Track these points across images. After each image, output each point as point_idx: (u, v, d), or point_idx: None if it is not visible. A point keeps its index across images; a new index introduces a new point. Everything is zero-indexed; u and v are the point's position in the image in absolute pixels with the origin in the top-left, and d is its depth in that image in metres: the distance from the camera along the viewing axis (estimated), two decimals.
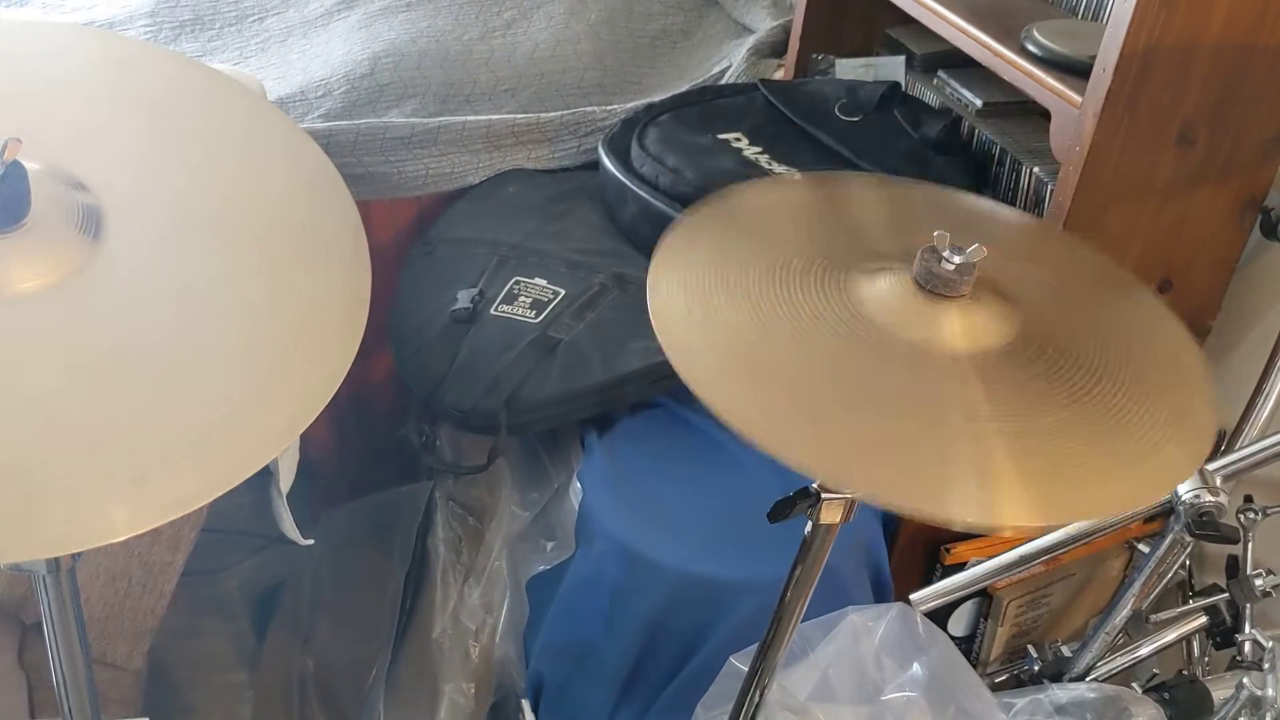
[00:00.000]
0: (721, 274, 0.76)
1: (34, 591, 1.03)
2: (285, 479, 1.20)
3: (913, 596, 1.17)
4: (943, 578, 1.39)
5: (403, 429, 1.50)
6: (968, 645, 1.42)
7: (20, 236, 0.61)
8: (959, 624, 1.41)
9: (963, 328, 0.72)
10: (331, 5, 1.83)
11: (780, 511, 0.80)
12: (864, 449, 0.69)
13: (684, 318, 0.74)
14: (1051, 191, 1.31)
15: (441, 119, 1.57)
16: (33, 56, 0.80)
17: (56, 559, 0.68)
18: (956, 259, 0.69)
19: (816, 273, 0.76)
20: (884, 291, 0.74)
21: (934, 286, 0.71)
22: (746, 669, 1.01)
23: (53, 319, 0.61)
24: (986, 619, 1.39)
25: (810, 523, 0.83)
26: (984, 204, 1.01)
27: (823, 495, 0.78)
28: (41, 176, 0.63)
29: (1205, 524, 0.96)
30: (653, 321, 0.76)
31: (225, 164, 0.73)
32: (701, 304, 0.74)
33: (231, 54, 1.74)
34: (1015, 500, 0.67)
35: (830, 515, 0.80)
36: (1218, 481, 0.99)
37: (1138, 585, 1.09)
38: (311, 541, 1.22)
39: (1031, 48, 1.25)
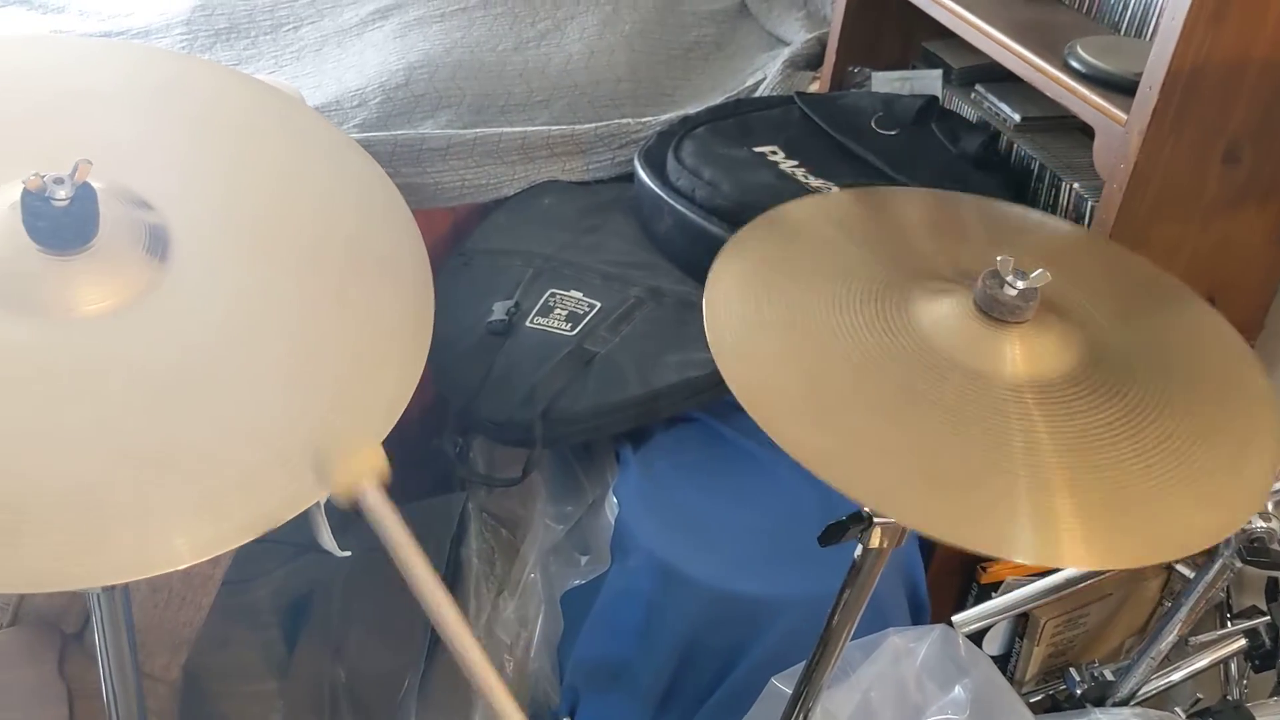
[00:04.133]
0: (779, 294, 0.76)
1: (87, 607, 1.03)
2: None
3: (955, 618, 1.16)
4: (979, 596, 1.38)
5: (436, 439, 1.50)
6: (1002, 664, 1.41)
7: (89, 258, 0.61)
8: (993, 643, 1.40)
9: (1024, 355, 0.71)
10: (366, 15, 1.83)
11: (831, 535, 0.79)
12: (921, 480, 0.69)
13: (740, 337, 0.73)
14: (1093, 208, 1.30)
15: (477, 130, 1.57)
16: (81, 73, 0.80)
17: None
18: (1020, 284, 0.68)
19: (876, 293, 0.75)
20: (944, 316, 0.73)
21: (996, 313, 0.70)
22: (788, 690, 1.01)
23: (119, 341, 0.60)
24: (1022, 638, 1.38)
25: (860, 546, 0.82)
26: (1032, 215, 1.01)
27: (875, 520, 0.78)
28: (108, 196, 0.63)
29: (1257, 550, 0.95)
30: (708, 336, 0.75)
31: (287, 182, 0.73)
32: (759, 324, 0.74)
33: (267, 63, 1.74)
34: (1076, 541, 0.67)
35: (882, 540, 0.79)
36: (1269, 507, 0.98)
37: (1184, 611, 1.08)
38: (349, 553, 1.22)
39: (1075, 64, 1.25)
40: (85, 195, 0.60)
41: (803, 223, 0.88)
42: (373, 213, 0.73)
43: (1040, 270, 0.70)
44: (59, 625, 1.11)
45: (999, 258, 0.69)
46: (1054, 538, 0.67)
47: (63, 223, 0.60)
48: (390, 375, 0.64)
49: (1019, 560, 0.67)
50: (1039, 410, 0.71)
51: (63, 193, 0.59)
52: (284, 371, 0.63)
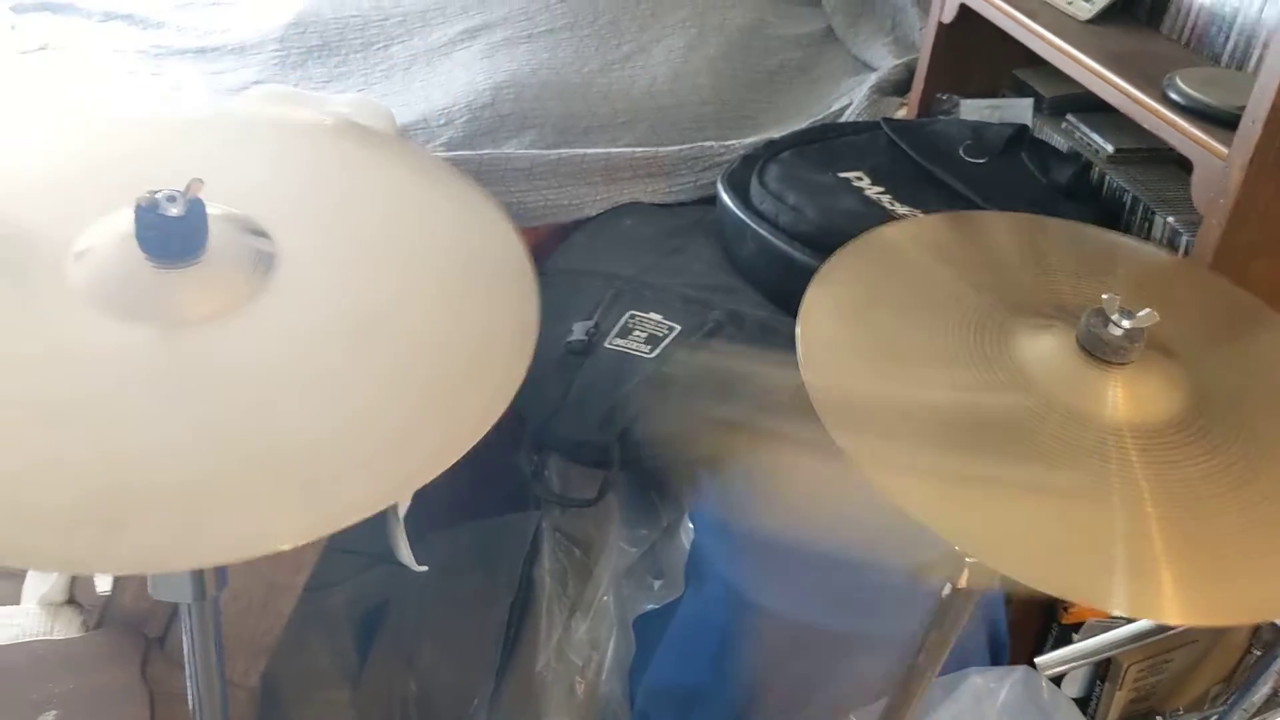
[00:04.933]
0: (875, 325, 0.75)
1: (174, 612, 1.05)
2: (402, 504, 1.21)
3: (1038, 660, 1.13)
4: (1060, 636, 1.35)
5: (512, 456, 1.51)
6: (1082, 707, 1.37)
7: (198, 269, 0.63)
8: (1073, 685, 1.36)
9: (1126, 398, 0.69)
10: (455, 35, 1.85)
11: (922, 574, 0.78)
12: (1016, 525, 0.67)
13: (835, 372, 0.72)
14: (1188, 243, 1.27)
15: (561, 151, 1.58)
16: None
17: (203, 587, 0.70)
18: (1126, 324, 0.67)
19: (974, 326, 0.74)
20: (1045, 354, 0.71)
21: (1100, 353, 0.69)
22: None
23: (226, 347, 0.62)
24: (1104, 682, 1.35)
25: (949, 585, 0.80)
26: (1134, 244, 0.98)
27: (966, 560, 0.76)
28: (214, 211, 0.65)
29: None
30: (802, 371, 0.74)
31: (387, 193, 0.74)
32: (854, 358, 0.73)
33: (356, 80, 1.77)
34: (1173, 596, 0.65)
35: (973, 581, 0.78)
36: None
37: (1279, 663, 1.04)
38: (425, 568, 1.23)
39: (1174, 96, 1.22)
40: (196, 211, 0.61)
41: (898, 249, 0.87)
42: (472, 222, 0.75)
43: (1147, 310, 0.68)
44: (143, 629, 1.13)
45: (1104, 295, 0.68)
46: (1152, 591, 0.65)
47: (173, 236, 0.61)
48: (497, 372, 0.65)
49: (1115, 613, 0.65)
50: (1139, 456, 0.69)
51: (175, 209, 0.60)
52: (392, 368, 0.64)
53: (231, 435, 0.59)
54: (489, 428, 0.63)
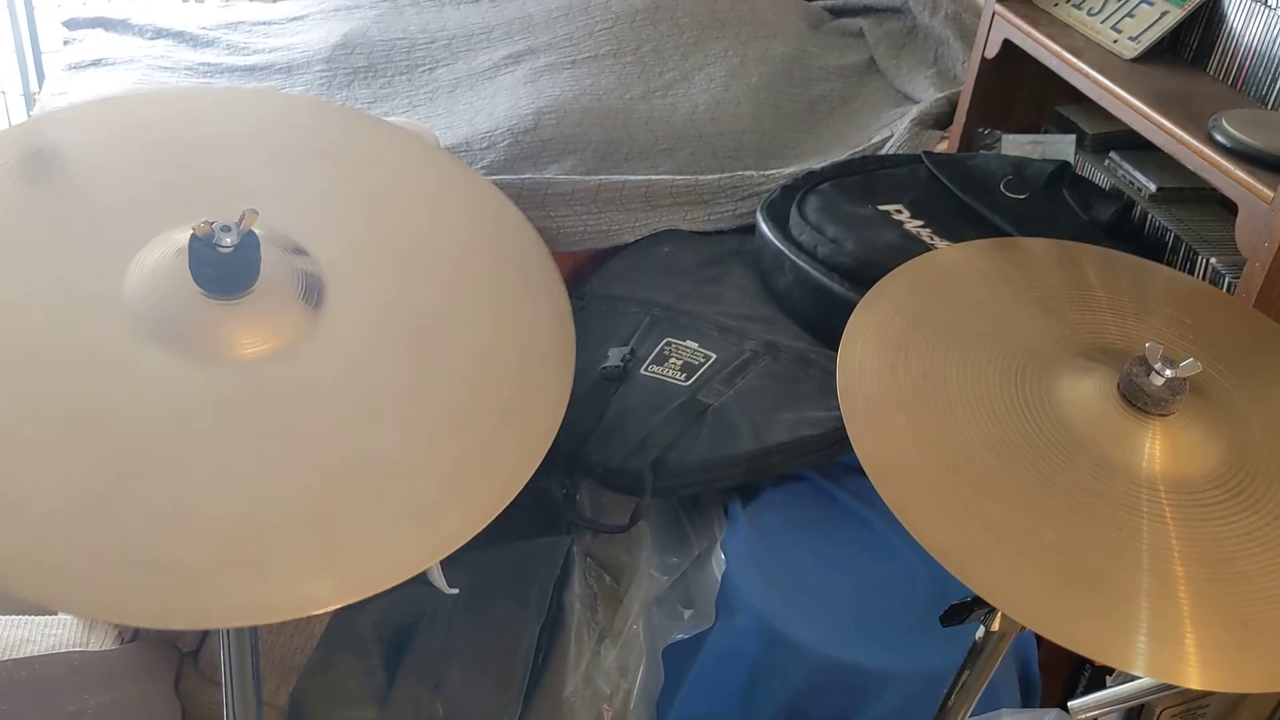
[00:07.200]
0: (916, 360, 0.74)
1: (213, 634, 1.06)
2: None
3: (1071, 704, 1.12)
4: (1092, 677, 1.34)
5: (545, 480, 1.51)
6: None
7: (250, 302, 0.64)
8: None
9: (1163, 450, 0.68)
10: (499, 59, 1.87)
11: (955, 616, 0.77)
12: (1043, 579, 0.66)
13: (875, 407, 0.72)
14: (1231, 285, 1.26)
15: (601, 177, 1.59)
16: (227, 119, 0.83)
17: None
18: (1168, 373, 0.66)
19: (1018, 365, 0.73)
20: (1085, 398, 0.71)
21: (1140, 402, 0.68)
22: None
23: (296, 373, 0.63)
24: None
25: (983, 628, 0.80)
26: (1189, 282, 0.96)
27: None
28: (267, 242, 0.66)
29: None
30: (841, 405, 0.74)
31: (423, 214, 0.75)
32: (895, 393, 0.72)
33: (401, 102, 1.79)
34: (1197, 660, 0.64)
35: (1006, 625, 0.77)
36: None
37: None
38: (456, 591, 1.23)
39: (1220, 137, 1.21)
40: (249, 243, 0.62)
41: (945, 276, 0.86)
42: (510, 239, 0.76)
43: (1190, 360, 0.67)
44: (177, 643, 1.14)
45: (1148, 344, 0.67)
46: (1175, 654, 0.65)
47: (228, 269, 0.62)
48: (551, 384, 0.66)
49: (1137, 674, 0.64)
50: (1172, 511, 0.68)
51: (229, 240, 0.61)
52: (449, 383, 0.65)
53: (337, 465, 0.59)
54: (555, 430, 0.64)
